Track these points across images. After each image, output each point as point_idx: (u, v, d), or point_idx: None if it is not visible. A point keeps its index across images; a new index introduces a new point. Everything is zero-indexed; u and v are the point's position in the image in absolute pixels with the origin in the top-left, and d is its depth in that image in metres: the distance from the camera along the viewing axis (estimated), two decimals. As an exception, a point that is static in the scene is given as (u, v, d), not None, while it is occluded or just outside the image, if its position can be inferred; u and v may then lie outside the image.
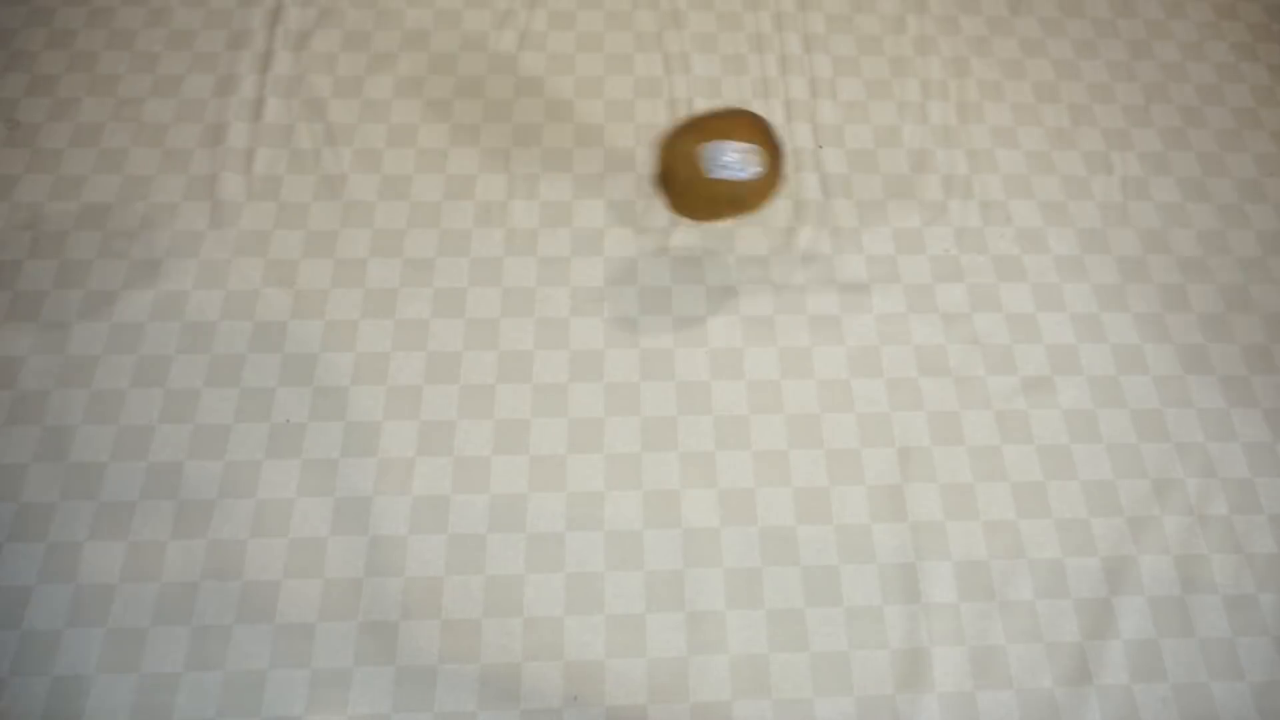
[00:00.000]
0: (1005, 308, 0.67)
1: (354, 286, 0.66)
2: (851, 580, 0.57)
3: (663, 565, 0.57)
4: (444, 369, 0.63)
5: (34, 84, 0.74)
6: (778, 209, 0.70)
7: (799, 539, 0.58)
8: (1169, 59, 0.80)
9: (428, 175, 0.71)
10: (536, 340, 0.64)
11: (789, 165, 0.72)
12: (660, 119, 0.74)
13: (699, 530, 0.58)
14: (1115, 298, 0.68)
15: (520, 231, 0.69)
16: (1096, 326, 0.67)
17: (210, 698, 0.52)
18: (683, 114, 0.75)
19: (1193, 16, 0.83)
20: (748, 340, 0.65)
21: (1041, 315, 0.67)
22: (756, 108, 0.75)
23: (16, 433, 0.59)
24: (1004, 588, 0.57)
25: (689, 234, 0.69)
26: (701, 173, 0.56)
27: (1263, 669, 0.55)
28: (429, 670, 0.54)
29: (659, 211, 0.70)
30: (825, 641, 0.55)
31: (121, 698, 0.52)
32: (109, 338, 0.63)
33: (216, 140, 0.72)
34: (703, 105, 0.75)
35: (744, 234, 0.69)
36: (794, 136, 0.74)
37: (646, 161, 0.72)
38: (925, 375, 0.64)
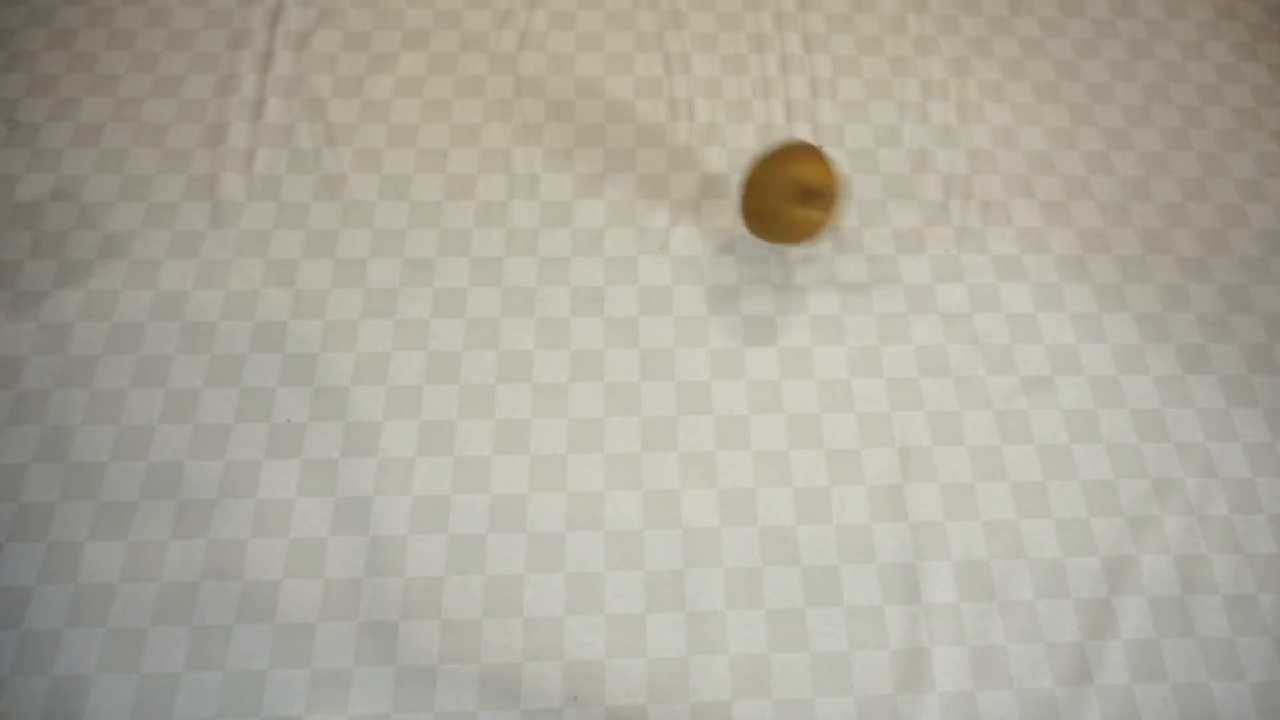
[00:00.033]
0: (1005, 308, 0.67)
1: (354, 286, 0.66)
2: (852, 580, 0.57)
3: (663, 565, 0.57)
4: (444, 369, 0.63)
5: (34, 84, 0.74)
6: (778, 209, 0.70)
7: (799, 539, 0.58)
8: (1169, 59, 0.80)
9: (428, 175, 0.71)
10: (537, 340, 0.64)
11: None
12: (660, 119, 0.74)
13: (699, 530, 0.58)
14: (1115, 298, 0.68)
15: (520, 231, 0.69)
16: (1096, 326, 0.67)
17: (210, 698, 0.52)
18: (683, 114, 0.75)
19: (1193, 16, 0.83)
20: (748, 340, 0.65)
21: (1041, 315, 0.67)
22: (756, 108, 0.75)
23: (16, 433, 0.59)
24: (1004, 588, 0.57)
25: (689, 234, 0.69)
26: (785, 202, 0.61)
27: (1263, 669, 0.55)
28: (429, 670, 0.54)
29: (659, 211, 0.70)
30: (825, 641, 0.55)
31: (121, 698, 0.52)
32: (109, 338, 0.63)
33: (216, 140, 0.72)
34: (703, 105, 0.75)
35: (744, 234, 0.69)
36: (794, 136, 0.74)
37: (647, 161, 0.72)
38: (925, 375, 0.64)
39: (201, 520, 0.57)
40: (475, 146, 0.72)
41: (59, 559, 0.56)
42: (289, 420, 0.60)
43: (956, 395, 0.63)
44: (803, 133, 0.74)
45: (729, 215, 0.70)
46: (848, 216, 0.70)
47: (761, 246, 0.69)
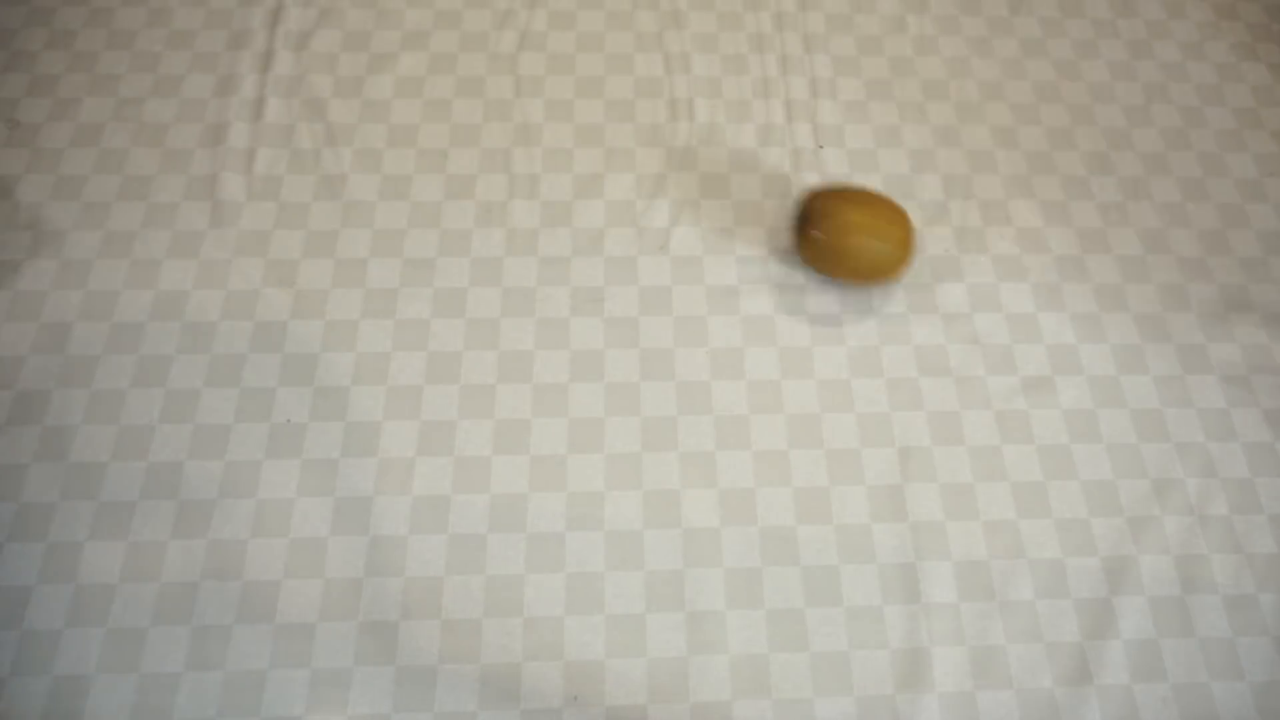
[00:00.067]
0: (1005, 308, 0.67)
1: (354, 286, 0.66)
2: (851, 580, 0.57)
3: (663, 565, 0.57)
4: (444, 369, 0.63)
5: (34, 84, 0.74)
6: (778, 210, 0.70)
7: (799, 539, 0.58)
8: (1169, 59, 0.80)
9: (428, 175, 0.71)
10: (537, 340, 0.64)
11: (790, 166, 0.73)
12: (660, 119, 0.74)
13: (699, 530, 0.58)
14: (1115, 298, 0.68)
15: (520, 231, 0.69)
16: (1096, 326, 0.67)
17: (210, 698, 0.52)
18: (683, 114, 0.75)
19: (1193, 16, 0.83)
20: (748, 340, 0.65)
21: (1041, 315, 0.67)
22: (756, 108, 0.75)
23: (16, 433, 0.59)
24: (1004, 588, 0.57)
25: (689, 234, 0.69)
26: (853, 245, 0.62)
27: (1263, 669, 0.55)
28: (429, 670, 0.54)
29: (659, 211, 0.70)
30: (825, 641, 0.55)
31: (121, 698, 0.52)
32: (109, 338, 0.63)
33: (216, 140, 0.72)
34: (703, 105, 0.75)
35: (744, 234, 0.69)
36: (794, 136, 0.74)
37: (647, 162, 0.72)
38: (925, 375, 0.64)
39: (201, 520, 0.57)
40: (475, 146, 0.73)
41: (59, 559, 0.56)
42: (289, 420, 0.60)
43: (956, 395, 0.63)
44: (803, 133, 0.74)
45: (729, 215, 0.70)
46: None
47: (761, 245, 0.69)
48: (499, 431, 0.61)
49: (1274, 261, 0.70)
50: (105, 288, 0.65)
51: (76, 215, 0.68)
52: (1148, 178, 0.73)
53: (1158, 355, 0.66)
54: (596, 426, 0.61)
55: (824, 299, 0.67)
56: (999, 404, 0.63)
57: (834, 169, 0.73)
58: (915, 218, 0.71)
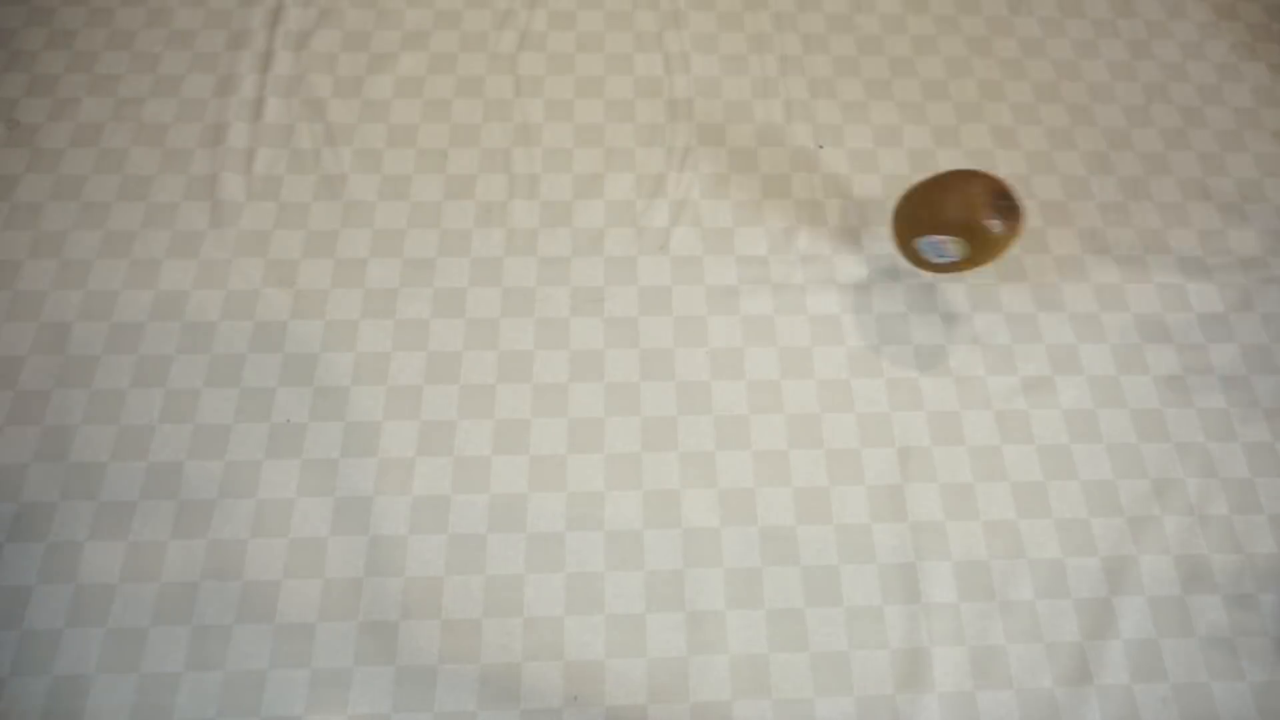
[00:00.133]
0: (1005, 308, 0.67)
1: (354, 286, 0.66)
2: (851, 580, 0.57)
3: (663, 565, 0.57)
4: (444, 369, 0.63)
5: (34, 84, 0.74)
6: (778, 210, 0.70)
7: (799, 539, 0.58)
8: (1169, 59, 0.80)
9: (428, 175, 0.71)
10: (536, 340, 0.64)
11: (789, 166, 0.73)
12: (661, 119, 0.74)
13: (699, 530, 0.58)
14: (1115, 298, 0.68)
15: (520, 231, 0.69)
16: (1096, 326, 0.67)
17: (210, 698, 0.52)
18: (683, 114, 0.75)
19: (1193, 16, 0.83)
20: (748, 340, 0.65)
21: (1041, 315, 0.67)
22: (756, 108, 0.75)
23: (16, 433, 0.59)
24: (1004, 588, 0.57)
25: (689, 234, 0.69)
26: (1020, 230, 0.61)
27: (1263, 669, 0.55)
28: (429, 670, 0.54)
29: (659, 211, 0.70)
30: (825, 641, 0.55)
31: (121, 698, 0.52)
32: (109, 338, 0.63)
33: (216, 140, 0.71)
34: (702, 105, 0.75)
35: (744, 234, 0.69)
36: (794, 136, 0.74)
37: (647, 161, 0.72)
38: (925, 375, 0.64)
39: (201, 520, 0.57)
40: (475, 146, 0.72)
41: (59, 559, 0.56)
42: (289, 420, 0.60)
43: (956, 395, 0.63)
44: (803, 133, 0.74)
45: (729, 215, 0.70)
46: (847, 216, 0.70)
47: (761, 245, 0.69)
48: (499, 431, 0.61)
49: (1274, 261, 0.70)
50: (105, 288, 0.65)
51: (76, 215, 0.68)
52: (1148, 178, 0.73)
53: (1157, 355, 0.66)
54: (596, 426, 0.61)
55: (824, 299, 0.67)
56: (999, 404, 0.63)
57: (834, 169, 0.73)
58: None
